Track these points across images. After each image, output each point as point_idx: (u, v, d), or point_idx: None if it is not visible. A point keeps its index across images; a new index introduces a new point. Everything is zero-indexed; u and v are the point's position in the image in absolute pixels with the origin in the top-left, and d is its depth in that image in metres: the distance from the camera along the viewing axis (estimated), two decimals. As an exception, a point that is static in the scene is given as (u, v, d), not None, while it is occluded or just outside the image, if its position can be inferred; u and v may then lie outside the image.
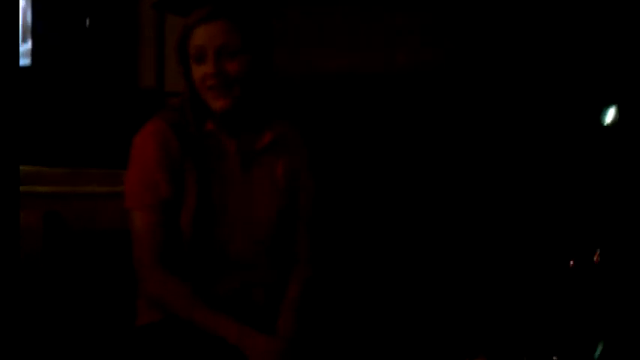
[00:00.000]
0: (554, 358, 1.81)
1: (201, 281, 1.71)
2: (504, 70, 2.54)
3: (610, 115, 2.33)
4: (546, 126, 2.50)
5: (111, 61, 2.58)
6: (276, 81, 1.83)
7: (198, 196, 1.73)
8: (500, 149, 2.54)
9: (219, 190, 1.75)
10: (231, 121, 1.77)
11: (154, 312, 1.75)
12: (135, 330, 1.80)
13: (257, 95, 1.77)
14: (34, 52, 2.50)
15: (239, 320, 1.65)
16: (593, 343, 1.95)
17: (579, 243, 2.26)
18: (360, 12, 2.66)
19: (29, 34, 2.51)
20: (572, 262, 2.17)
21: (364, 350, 1.86)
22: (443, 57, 2.61)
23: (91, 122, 2.51)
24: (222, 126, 1.77)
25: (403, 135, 2.61)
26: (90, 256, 1.91)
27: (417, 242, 2.52)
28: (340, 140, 2.58)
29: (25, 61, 2.50)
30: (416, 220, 2.55)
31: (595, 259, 2.17)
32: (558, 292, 2.20)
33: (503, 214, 2.49)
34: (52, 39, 2.54)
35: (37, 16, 2.49)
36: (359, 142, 2.61)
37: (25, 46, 2.51)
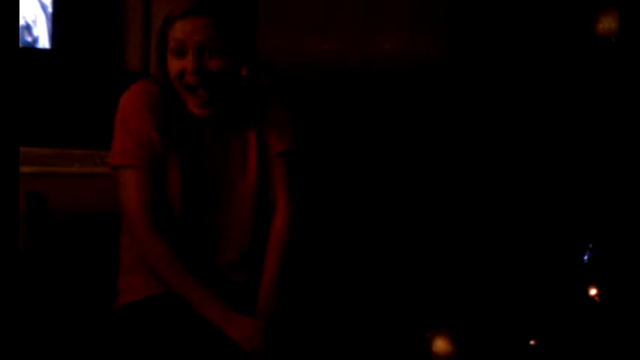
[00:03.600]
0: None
1: (187, 257, 1.70)
2: (494, 61, 2.55)
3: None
4: (535, 120, 2.51)
5: (96, 42, 2.57)
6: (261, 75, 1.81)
7: (182, 172, 1.72)
8: (485, 140, 2.56)
9: (200, 168, 1.75)
10: (210, 122, 1.76)
11: (133, 293, 1.76)
12: (116, 311, 1.79)
13: (237, 95, 1.76)
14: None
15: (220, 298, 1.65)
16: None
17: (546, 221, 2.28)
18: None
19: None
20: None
21: (331, 324, 1.86)
22: (431, 46, 2.61)
23: (74, 103, 2.50)
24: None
25: (389, 123, 2.62)
26: (71, 237, 1.92)
27: (381, 217, 2.53)
28: (330, 126, 2.59)
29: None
30: (386, 199, 2.56)
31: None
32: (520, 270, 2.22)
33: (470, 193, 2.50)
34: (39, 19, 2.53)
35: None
36: (348, 129, 2.62)
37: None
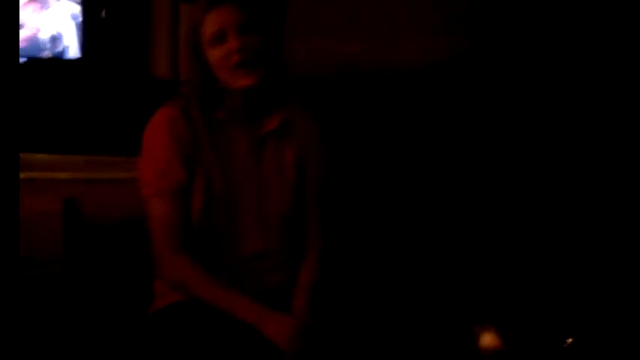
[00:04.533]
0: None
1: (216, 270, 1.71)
2: (509, 63, 2.53)
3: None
4: (548, 124, 2.49)
5: (125, 50, 2.58)
6: (286, 64, 1.83)
7: (205, 189, 1.73)
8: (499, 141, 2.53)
9: (229, 182, 1.76)
10: (248, 104, 1.76)
11: (170, 296, 1.75)
12: (151, 314, 1.79)
13: (272, 75, 1.78)
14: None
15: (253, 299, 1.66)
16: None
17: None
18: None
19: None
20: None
21: (375, 319, 1.85)
22: (447, 48, 2.60)
23: (104, 111, 2.51)
24: (232, 114, 1.77)
25: (409, 125, 2.61)
26: (106, 241, 1.93)
27: (426, 213, 2.51)
28: (350, 129, 2.58)
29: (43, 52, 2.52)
30: (421, 200, 2.55)
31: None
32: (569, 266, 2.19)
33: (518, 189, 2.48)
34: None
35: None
36: (367, 131, 2.60)
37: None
